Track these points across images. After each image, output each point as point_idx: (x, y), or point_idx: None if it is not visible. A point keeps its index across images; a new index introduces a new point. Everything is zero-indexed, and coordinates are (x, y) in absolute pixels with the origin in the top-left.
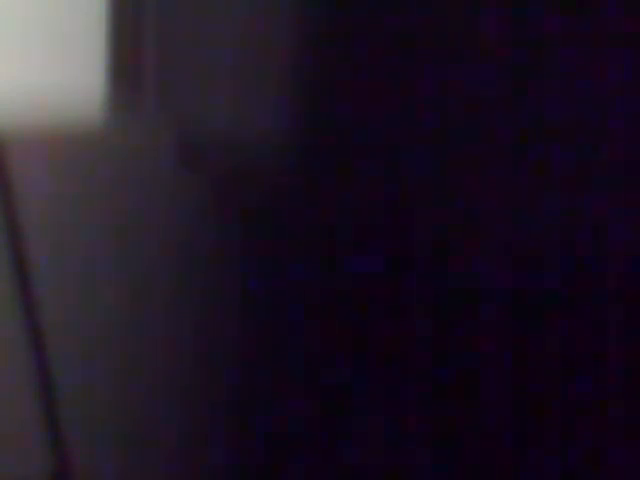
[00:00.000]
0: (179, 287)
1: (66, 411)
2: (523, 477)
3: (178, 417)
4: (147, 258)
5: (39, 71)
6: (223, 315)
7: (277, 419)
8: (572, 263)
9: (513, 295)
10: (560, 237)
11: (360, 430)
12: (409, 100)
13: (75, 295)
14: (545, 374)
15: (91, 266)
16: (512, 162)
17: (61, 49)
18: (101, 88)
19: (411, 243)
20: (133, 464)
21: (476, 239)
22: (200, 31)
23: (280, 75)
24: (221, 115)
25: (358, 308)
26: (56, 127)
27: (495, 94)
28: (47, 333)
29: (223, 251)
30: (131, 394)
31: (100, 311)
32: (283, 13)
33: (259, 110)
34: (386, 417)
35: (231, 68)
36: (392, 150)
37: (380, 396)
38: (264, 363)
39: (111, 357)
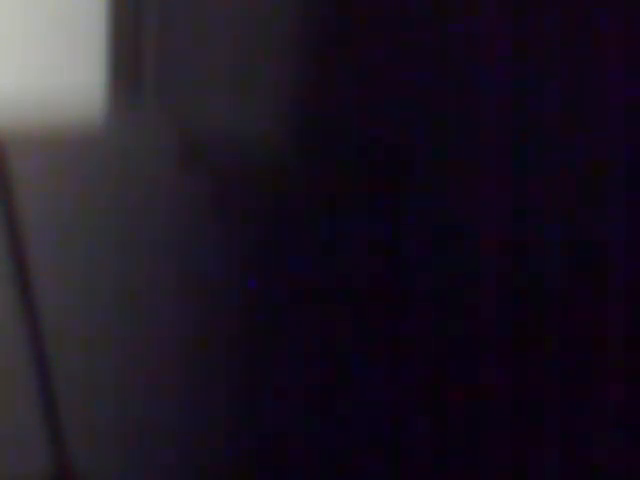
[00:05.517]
0: (179, 286)
1: (66, 411)
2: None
3: (178, 417)
4: (147, 257)
5: (39, 71)
6: (224, 314)
7: (277, 419)
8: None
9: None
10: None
11: (359, 429)
12: (408, 99)
13: (75, 295)
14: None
15: (91, 265)
16: (511, 162)
17: (61, 49)
18: (101, 88)
19: (410, 237)
20: (133, 464)
21: (475, 230)
22: (200, 32)
23: (279, 75)
24: (221, 115)
25: (357, 304)
26: (56, 127)
27: (496, 96)
28: (47, 333)
29: (223, 250)
30: (131, 394)
31: (100, 311)
32: (282, 14)
33: (258, 110)
34: (385, 415)
35: (231, 68)
36: (392, 150)
37: (380, 391)
38: (264, 362)
39: (111, 357)
